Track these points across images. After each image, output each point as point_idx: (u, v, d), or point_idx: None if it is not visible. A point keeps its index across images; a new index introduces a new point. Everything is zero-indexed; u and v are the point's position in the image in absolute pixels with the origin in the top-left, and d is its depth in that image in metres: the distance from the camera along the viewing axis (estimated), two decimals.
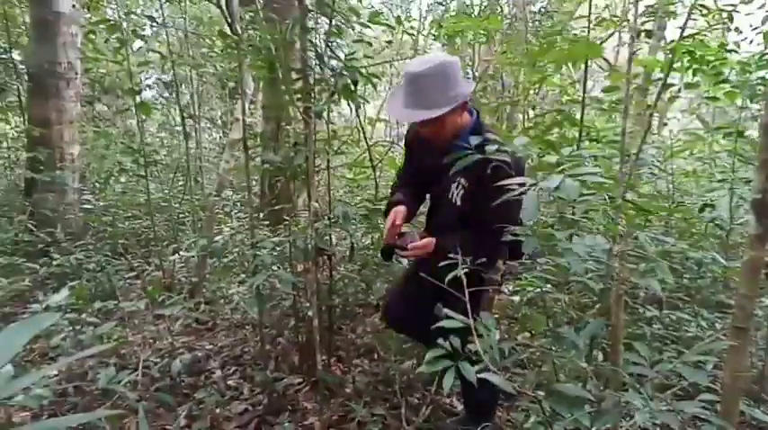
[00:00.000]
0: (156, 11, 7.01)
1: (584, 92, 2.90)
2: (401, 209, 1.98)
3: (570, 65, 3.10)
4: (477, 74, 6.30)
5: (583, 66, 2.83)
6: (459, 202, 1.87)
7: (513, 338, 2.53)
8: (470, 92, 1.85)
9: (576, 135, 2.79)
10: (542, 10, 6.16)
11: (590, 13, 3.42)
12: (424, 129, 1.84)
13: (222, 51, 4.06)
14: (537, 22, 5.95)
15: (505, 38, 6.09)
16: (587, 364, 1.44)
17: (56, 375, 2.42)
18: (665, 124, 5.41)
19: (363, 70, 2.39)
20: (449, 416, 2.36)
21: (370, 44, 2.92)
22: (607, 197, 2.32)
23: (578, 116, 2.79)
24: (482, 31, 6.32)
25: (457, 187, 1.87)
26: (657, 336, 2.28)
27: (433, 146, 1.92)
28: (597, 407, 1.32)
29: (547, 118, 2.88)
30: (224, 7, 3.88)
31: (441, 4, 6.56)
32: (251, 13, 3.95)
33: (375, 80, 2.30)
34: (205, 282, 3.48)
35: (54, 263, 3.54)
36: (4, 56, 5.59)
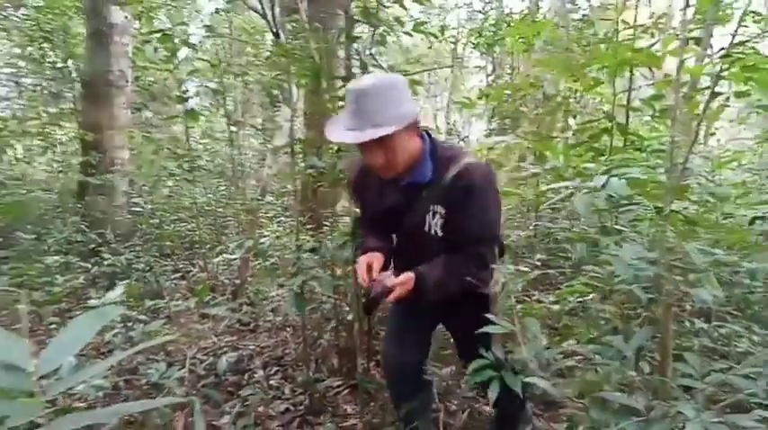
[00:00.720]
0: (201, 20, 7.26)
1: (628, 100, 2.87)
2: (377, 254, 1.77)
3: (617, 74, 3.07)
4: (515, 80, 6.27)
5: (625, 74, 2.79)
6: (440, 232, 1.69)
7: (556, 346, 2.50)
8: (418, 112, 1.64)
9: (621, 144, 2.76)
10: (585, 17, 6.08)
11: (635, 22, 3.38)
12: (375, 158, 1.59)
13: (266, 60, 4.18)
14: (579, 30, 5.89)
15: (546, 46, 6.05)
16: (635, 374, 1.43)
17: (109, 369, 2.52)
18: (713, 134, 5.26)
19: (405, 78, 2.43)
20: (486, 423, 2.36)
21: (410, 51, 2.96)
22: (653, 207, 2.29)
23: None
24: (522, 40, 6.29)
25: (433, 217, 1.68)
26: (706, 350, 2.22)
27: (387, 182, 1.73)
28: (645, 418, 1.30)
29: (593, 125, 2.84)
30: (269, 17, 4.02)
31: (480, 12, 6.57)
32: (293, 23, 4.06)
33: (418, 88, 2.33)
34: (247, 285, 3.57)
35: (105, 262, 3.70)
36: (61, 65, 5.88)
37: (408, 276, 1.63)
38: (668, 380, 1.43)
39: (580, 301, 2.89)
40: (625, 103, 2.94)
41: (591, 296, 3.01)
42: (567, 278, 3.77)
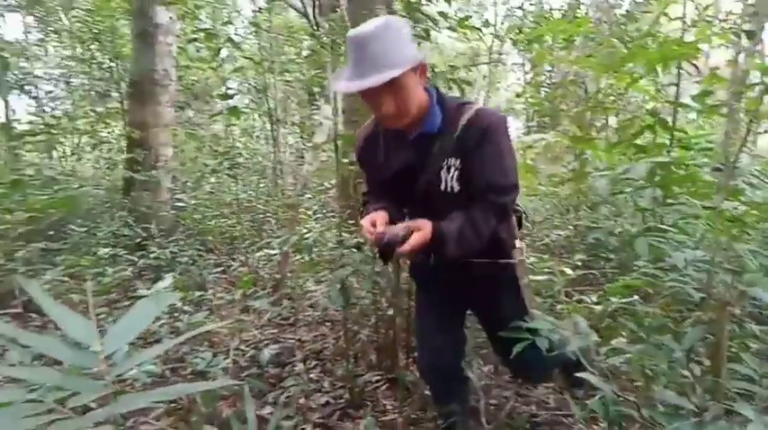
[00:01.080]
0: (242, 21, 7.40)
1: (677, 95, 2.79)
2: (381, 213, 1.62)
3: (659, 69, 2.99)
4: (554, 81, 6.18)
5: (671, 70, 2.72)
6: (456, 187, 1.58)
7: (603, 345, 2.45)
8: (424, 56, 1.53)
9: (667, 142, 2.69)
10: (627, 12, 5.94)
11: (684, 15, 3.29)
12: (386, 107, 1.48)
13: (306, 58, 4.24)
14: (622, 26, 5.75)
15: (587, 42, 5.94)
16: (689, 374, 1.40)
17: (157, 356, 2.61)
18: (766, 131, 5.07)
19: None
20: (528, 418, 2.34)
21: (444, 50, 2.95)
22: (701, 207, 2.22)
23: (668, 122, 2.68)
24: (562, 36, 6.19)
25: (448, 171, 1.58)
26: (759, 352, 2.15)
27: (395, 142, 1.65)
28: (700, 418, 1.27)
29: (635, 122, 2.78)
30: (310, 16, 4.07)
31: (520, 8, 6.49)
32: (332, 22, 4.10)
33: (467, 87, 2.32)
34: (287, 280, 3.63)
35: (151, 255, 3.82)
36: (109, 65, 6.10)
37: (425, 223, 1.51)
38: (723, 382, 1.40)
39: (624, 302, 2.83)
40: (670, 99, 2.86)
41: (635, 297, 2.95)
42: (609, 279, 3.71)
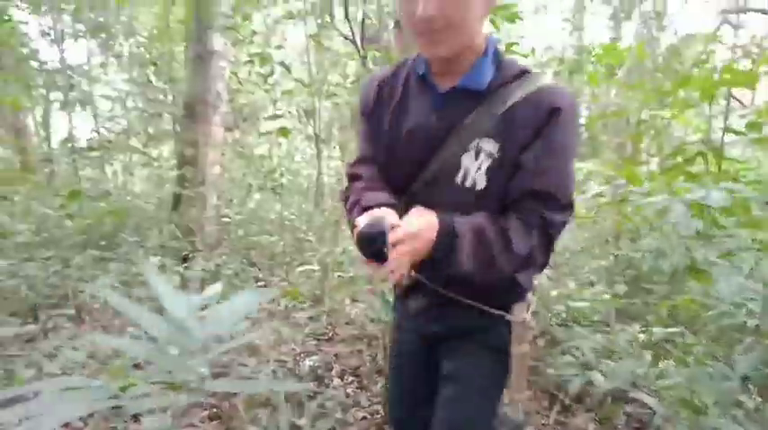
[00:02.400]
0: (291, 47, 7.69)
1: (725, 126, 2.77)
2: (389, 211, 1.09)
3: (707, 100, 2.98)
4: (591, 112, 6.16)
5: (718, 101, 2.69)
6: (482, 183, 1.09)
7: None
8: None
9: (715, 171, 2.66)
10: (671, 45, 5.93)
11: (735, 44, 3.27)
12: (426, 4, 1.00)
13: (352, 83, 4.38)
14: (666, 59, 5.74)
15: (629, 75, 5.93)
16: (743, 401, 1.37)
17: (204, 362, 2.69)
18: None
19: None
20: None
21: None
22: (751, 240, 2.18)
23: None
24: (603, 67, 6.20)
25: (476, 157, 1.09)
26: None
27: (420, 90, 1.19)
28: None
29: (686, 149, 2.76)
30: (358, 43, 4.22)
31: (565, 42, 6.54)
32: (377, 51, 4.25)
33: None
34: (326, 296, 3.69)
35: (196, 267, 3.95)
36: (164, 87, 6.43)
37: (425, 212, 1.06)
38: None
39: (669, 332, 2.77)
40: (718, 130, 2.83)
41: (680, 328, 2.88)
42: (651, 310, 3.62)
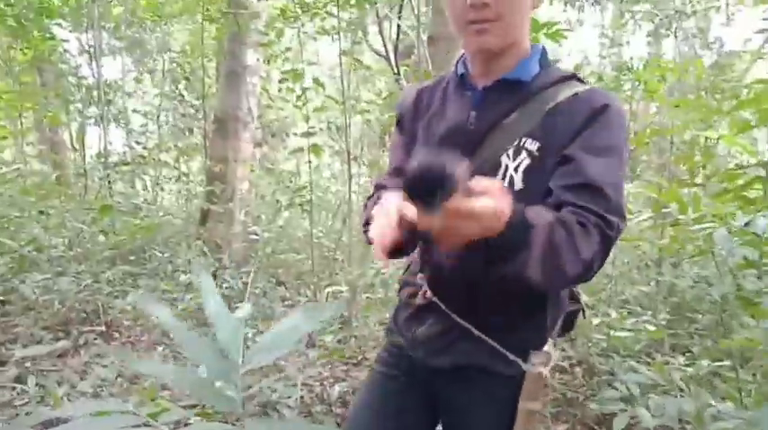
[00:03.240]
0: (323, 63, 7.73)
1: None
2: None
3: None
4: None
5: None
6: (520, 184, 1.00)
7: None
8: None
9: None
10: (716, 62, 5.74)
11: None
12: (486, 38, 1.00)
13: (384, 99, 4.34)
14: (711, 78, 5.55)
15: (672, 93, 5.75)
16: None
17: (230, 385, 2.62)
18: None
19: None
20: None
21: None
22: None
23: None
24: (643, 85, 6.03)
25: (515, 156, 1.00)
26: None
27: (459, 92, 1.12)
28: None
29: (740, 173, 2.60)
30: (392, 59, 4.18)
31: (602, 57, 6.42)
32: (405, 67, 4.20)
33: None
34: (354, 318, 3.60)
35: (224, 285, 3.91)
36: (196, 103, 6.51)
37: (495, 187, 0.77)
38: None
39: (717, 366, 2.60)
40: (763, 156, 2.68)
41: (729, 362, 2.70)
42: (696, 342, 3.43)
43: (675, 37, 4.54)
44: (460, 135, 1.06)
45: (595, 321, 2.89)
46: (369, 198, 1.23)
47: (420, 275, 1.14)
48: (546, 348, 1.04)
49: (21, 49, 6.02)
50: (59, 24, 6.16)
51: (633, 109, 6.27)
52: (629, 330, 3.04)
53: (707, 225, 2.23)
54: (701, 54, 5.77)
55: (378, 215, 0.85)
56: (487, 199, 0.75)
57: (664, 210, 2.59)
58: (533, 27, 2.20)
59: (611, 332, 2.90)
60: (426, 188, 0.71)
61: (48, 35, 5.90)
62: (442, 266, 1.08)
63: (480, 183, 0.75)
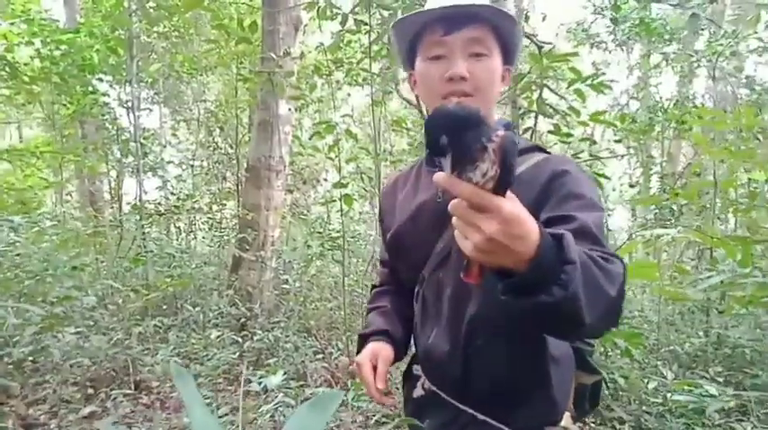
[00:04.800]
0: (351, 112, 7.84)
1: None
2: (382, 345, 1.15)
3: None
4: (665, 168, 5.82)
5: None
6: None
7: None
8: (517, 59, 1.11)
9: None
10: (754, 101, 5.57)
11: None
12: (456, 67, 1.00)
13: (416, 147, 4.31)
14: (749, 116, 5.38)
15: (707, 132, 5.59)
16: None
17: None
18: None
19: None
20: None
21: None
22: None
23: None
24: (675, 125, 5.90)
25: None
26: None
27: (429, 175, 1.10)
28: None
29: None
30: (423, 108, 4.17)
31: (635, 98, 6.33)
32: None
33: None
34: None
35: (255, 338, 3.84)
36: (229, 151, 6.63)
37: (526, 214, 0.66)
38: None
39: None
40: None
41: None
42: (758, 401, 3.18)
43: (713, 78, 4.43)
44: (430, 210, 1.08)
45: (651, 385, 2.69)
46: (372, 290, 1.33)
47: (416, 367, 1.15)
48: (563, 423, 0.99)
49: (64, 104, 6.28)
50: (100, 79, 6.41)
51: (666, 149, 6.12)
52: (694, 397, 2.80)
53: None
54: (737, 94, 5.62)
55: (360, 369, 1.09)
56: (517, 203, 0.65)
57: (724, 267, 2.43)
58: (578, 77, 2.15)
59: (669, 395, 2.70)
60: (436, 129, 0.57)
61: (89, 90, 6.14)
62: (431, 348, 1.07)
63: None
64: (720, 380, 3.31)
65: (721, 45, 4.28)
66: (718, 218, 4.98)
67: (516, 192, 0.74)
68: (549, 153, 1.07)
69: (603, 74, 2.12)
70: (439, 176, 0.62)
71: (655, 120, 5.44)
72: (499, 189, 0.62)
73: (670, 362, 3.66)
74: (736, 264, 2.78)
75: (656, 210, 4.83)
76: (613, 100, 8.30)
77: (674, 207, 5.06)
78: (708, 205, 4.40)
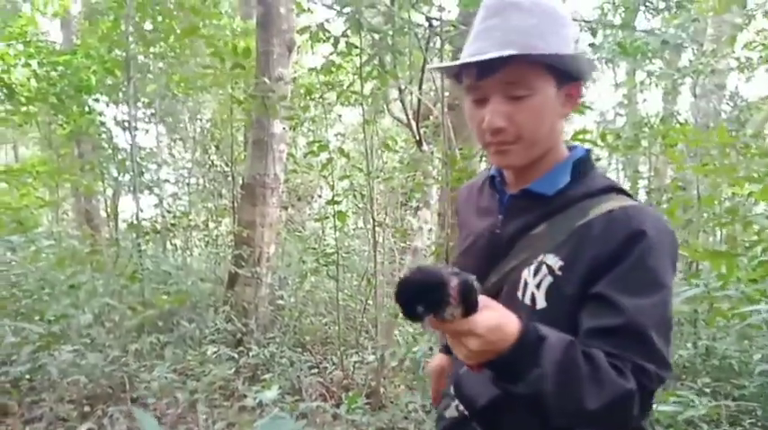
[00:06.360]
0: (344, 131, 7.96)
1: None
2: (438, 364, 1.28)
3: None
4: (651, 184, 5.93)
5: None
6: (542, 303, 0.92)
7: None
8: (585, 68, 0.97)
9: None
10: (737, 116, 5.72)
11: None
12: (494, 116, 0.92)
13: (407, 165, 4.41)
14: (733, 132, 5.53)
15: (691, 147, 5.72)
16: None
17: None
18: None
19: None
20: None
21: None
22: None
23: None
24: (661, 140, 6.02)
25: (535, 273, 0.93)
26: None
27: (491, 195, 1.10)
28: None
29: None
30: (413, 127, 4.28)
31: (620, 115, 6.48)
32: (425, 128, 4.29)
33: None
34: (382, 387, 3.53)
35: (251, 353, 3.90)
36: (224, 169, 6.73)
37: (499, 308, 0.80)
38: None
39: None
40: None
41: None
42: (745, 411, 3.24)
43: (695, 96, 4.56)
44: (487, 239, 1.05)
45: None
46: None
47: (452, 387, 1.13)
48: None
49: (60, 124, 6.36)
50: (96, 99, 6.51)
51: (653, 164, 6.24)
52: (677, 401, 2.87)
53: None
54: (719, 109, 5.77)
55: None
56: (490, 312, 0.77)
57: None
58: None
59: (654, 406, 2.76)
60: (408, 303, 0.73)
61: (86, 110, 6.23)
62: (463, 380, 1.05)
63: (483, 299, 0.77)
64: (708, 391, 3.38)
65: (701, 64, 4.43)
66: (704, 231, 5.09)
67: (582, 248, 0.89)
68: (628, 195, 0.97)
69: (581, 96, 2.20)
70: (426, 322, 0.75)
71: (641, 136, 5.56)
72: (470, 312, 0.75)
73: None
74: (718, 277, 2.88)
75: None
76: (600, 116, 8.46)
77: None
78: (693, 219, 4.51)
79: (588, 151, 1.04)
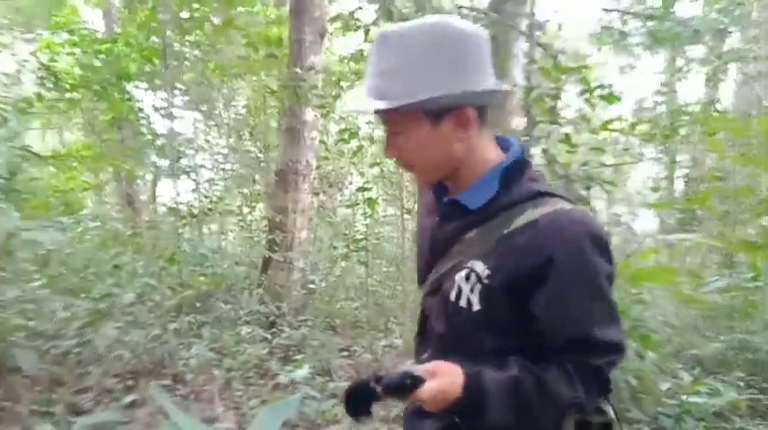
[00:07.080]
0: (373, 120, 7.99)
1: None
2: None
3: None
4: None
5: None
6: (477, 305, 0.97)
7: None
8: (494, 91, 0.98)
9: None
10: None
11: None
12: (388, 148, 1.03)
13: None
14: None
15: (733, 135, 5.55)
16: None
17: None
18: None
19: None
20: None
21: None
22: None
23: None
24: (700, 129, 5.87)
25: (467, 279, 0.97)
26: None
27: (441, 196, 1.11)
28: None
29: None
30: None
31: (657, 103, 6.33)
32: None
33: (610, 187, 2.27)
34: None
35: (283, 335, 4.03)
36: (258, 155, 6.88)
37: (450, 368, 0.93)
38: None
39: None
40: None
41: None
42: None
43: (735, 83, 4.42)
44: (430, 237, 1.11)
45: (664, 385, 2.75)
46: None
47: None
48: None
49: (103, 111, 6.59)
50: (137, 86, 6.71)
51: (692, 153, 6.10)
52: (708, 393, 2.86)
53: None
54: (762, 97, 5.57)
55: None
56: (432, 382, 0.90)
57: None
58: (588, 89, 2.26)
59: (684, 397, 2.76)
60: (392, 395, 0.93)
61: (126, 97, 6.44)
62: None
63: (430, 367, 0.92)
64: (741, 384, 3.34)
65: (744, 50, 4.28)
66: (742, 222, 4.96)
67: (506, 258, 0.96)
68: (559, 196, 0.99)
69: (611, 85, 2.21)
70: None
71: (679, 124, 5.43)
72: (408, 394, 0.91)
73: (692, 366, 3.68)
74: (750, 269, 2.82)
75: (679, 215, 4.84)
76: (636, 103, 8.25)
77: (699, 212, 5.06)
78: (730, 210, 4.41)
79: (521, 155, 1.05)
